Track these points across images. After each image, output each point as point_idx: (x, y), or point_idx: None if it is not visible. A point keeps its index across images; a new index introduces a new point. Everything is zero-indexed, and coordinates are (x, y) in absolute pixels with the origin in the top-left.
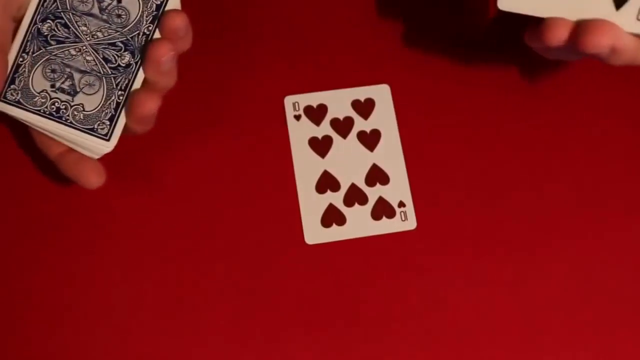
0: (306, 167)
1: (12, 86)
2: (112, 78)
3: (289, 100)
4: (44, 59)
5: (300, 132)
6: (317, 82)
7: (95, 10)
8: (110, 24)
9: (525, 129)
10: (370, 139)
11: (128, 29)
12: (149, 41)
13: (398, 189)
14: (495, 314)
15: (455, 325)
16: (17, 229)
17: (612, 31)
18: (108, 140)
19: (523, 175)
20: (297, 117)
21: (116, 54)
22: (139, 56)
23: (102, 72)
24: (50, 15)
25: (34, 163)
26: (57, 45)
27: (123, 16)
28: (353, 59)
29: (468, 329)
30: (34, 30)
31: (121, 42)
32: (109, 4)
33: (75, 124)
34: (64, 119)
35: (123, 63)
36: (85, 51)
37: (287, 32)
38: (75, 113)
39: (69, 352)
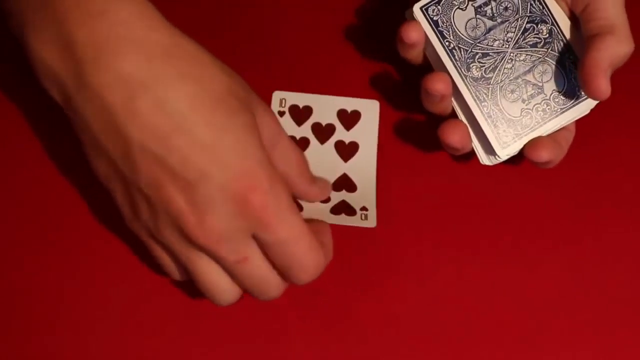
0: None
1: (501, 130)
2: (550, 52)
3: (277, 96)
4: (498, 90)
5: None
6: (310, 84)
7: (489, 24)
8: (508, 19)
9: None
10: (346, 150)
11: (522, 8)
12: None
13: (364, 197)
14: (495, 314)
15: (454, 326)
16: (18, 229)
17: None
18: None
19: (524, 174)
20: (281, 114)
21: (535, 35)
22: (549, 18)
23: (541, 57)
24: (468, 60)
25: (35, 163)
26: (495, 73)
27: (509, 6)
28: (351, 68)
29: (467, 329)
30: (470, 81)
31: (528, 22)
32: (493, 8)
33: (565, 106)
34: (555, 112)
35: (545, 35)
36: (515, 55)
37: (294, 32)
38: (556, 100)
39: (69, 352)
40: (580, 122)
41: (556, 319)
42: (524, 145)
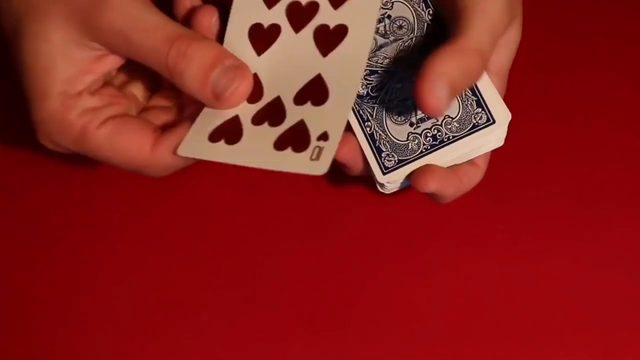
0: None
1: (382, 154)
2: None
3: None
4: (384, 111)
5: (244, 13)
6: None
7: (381, 41)
8: (402, 38)
9: (527, 127)
10: (330, 39)
11: (418, 28)
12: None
13: (331, 115)
14: (496, 312)
15: (454, 324)
16: (19, 230)
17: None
18: (494, 122)
19: (522, 174)
20: None
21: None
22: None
23: None
24: None
25: (36, 163)
26: (382, 92)
27: (404, 24)
28: None
29: (467, 327)
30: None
31: (423, 43)
32: (386, 25)
33: (458, 135)
34: (445, 139)
35: None
36: (406, 75)
37: None
38: (448, 127)
39: (69, 352)
40: (581, 117)
41: (557, 317)
42: (413, 173)
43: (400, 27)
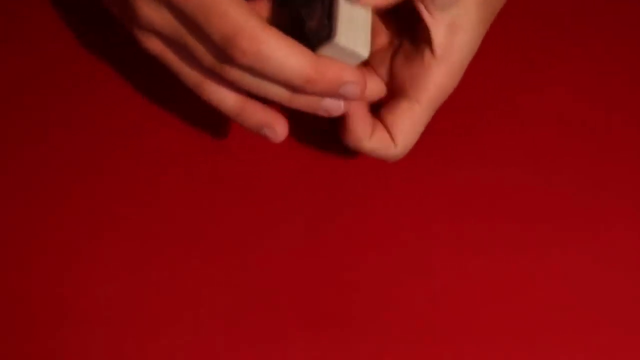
0: None
1: None
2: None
3: None
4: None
5: None
6: None
7: None
8: None
9: (526, 125)
10: None
11: None
12: None
13: None
14: (499, 310)
15: (455, 320)
16: (19, 229)
17: None
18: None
19: (522, 173)
20: None
21: None
22: None
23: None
24: None
25: (35, 161)
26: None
27: None
28: None
29: (469, 324)
30: None
31: None
32: None
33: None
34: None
35: None
36: None
37: None
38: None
39: (66, 353)
40: (585, 111)
41: (558, 317)
42: None
43: None
